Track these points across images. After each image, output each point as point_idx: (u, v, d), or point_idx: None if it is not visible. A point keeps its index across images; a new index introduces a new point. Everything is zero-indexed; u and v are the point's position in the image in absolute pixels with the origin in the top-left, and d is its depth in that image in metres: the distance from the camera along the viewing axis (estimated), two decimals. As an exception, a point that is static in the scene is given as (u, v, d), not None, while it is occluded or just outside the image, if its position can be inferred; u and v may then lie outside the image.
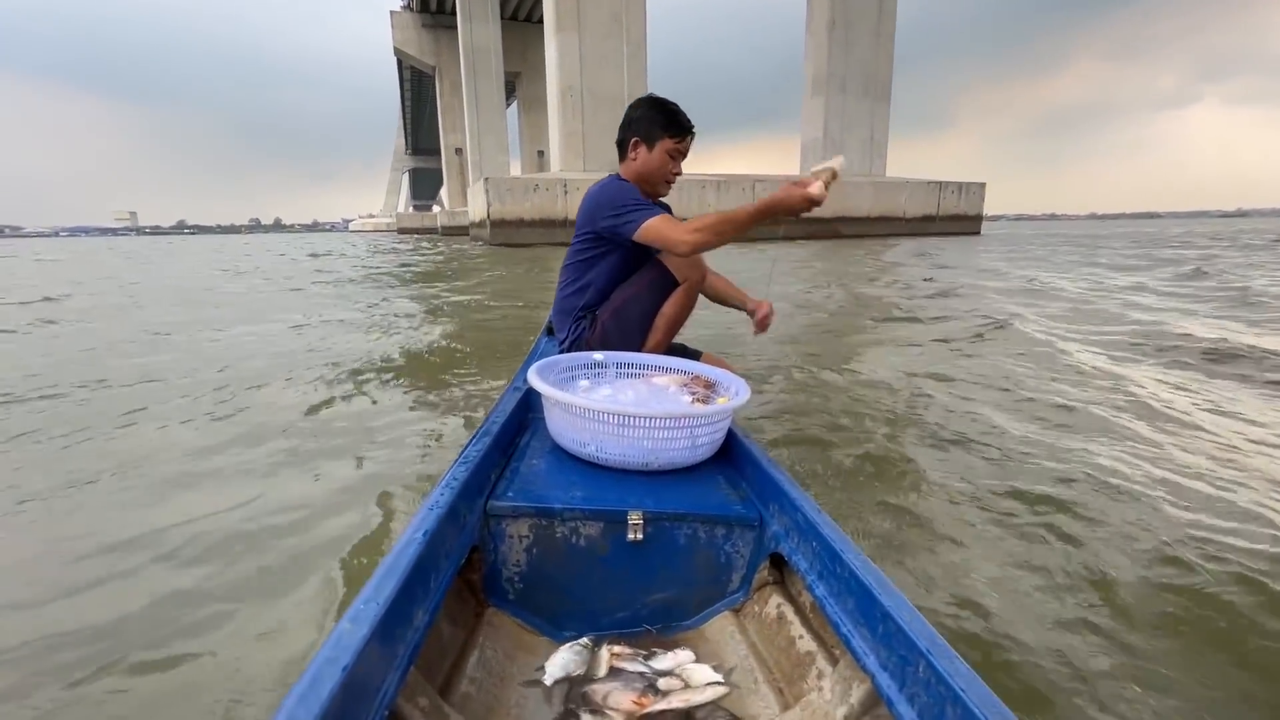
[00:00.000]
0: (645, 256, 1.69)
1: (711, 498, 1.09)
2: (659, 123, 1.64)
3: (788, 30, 23.81)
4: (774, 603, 1.01)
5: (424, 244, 26.70)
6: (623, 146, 1.70)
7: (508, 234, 17.58)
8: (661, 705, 0.81)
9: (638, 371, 1.54)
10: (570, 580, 1.03)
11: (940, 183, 23.86)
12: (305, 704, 0.49)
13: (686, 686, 0.86)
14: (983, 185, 25.02)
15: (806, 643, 0.91)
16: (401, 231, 64.11)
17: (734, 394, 1.32)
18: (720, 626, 1.03)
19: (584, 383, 1.45)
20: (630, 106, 1.68)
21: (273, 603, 1.32)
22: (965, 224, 24.78)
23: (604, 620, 1.02)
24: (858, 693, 0.76)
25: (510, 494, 1.04)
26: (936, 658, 0.61)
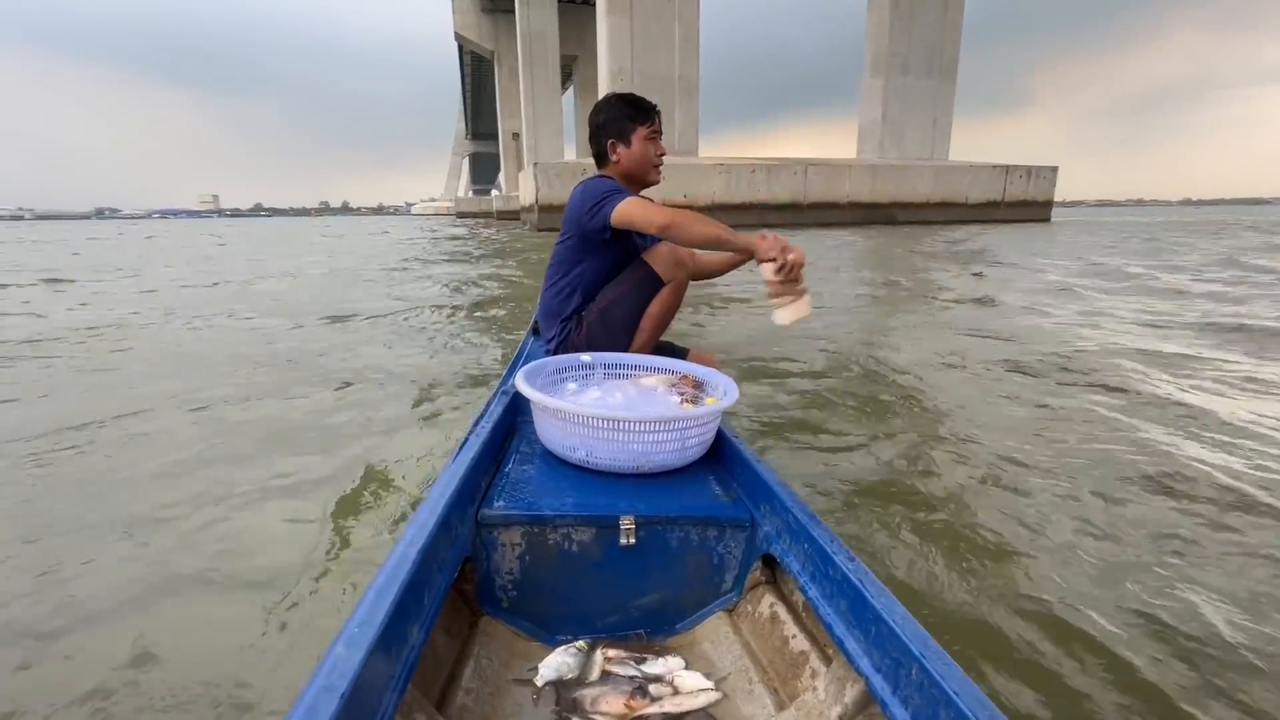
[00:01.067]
0: (629, 257, 1.70)
1: (702, 499, 1.10)
2: (626, 115, 1.67)
3: (855, 1, 22.97)
4: (767, 603, 1.02)
5: (483, 228, 27.39)
6: (601, 155, 1.73)
7: (555, 218, 17.76)
8: (652, 709, 0.83)
9: (626, 372, 1.54)
10: (564, 586, 1.03)
11: (1007, 167, 22.61)
12: None
13: (677, 692, 0.87)
14: (1054, 170, 23.56)
15: (800, 642, 0.92)
16: (460, 215, 65.78)
17: (722, 394, 1.32)
18: (714, 627, 1.04)
19: (572, 385, 1.45)
20: (592, 114, 1.71)
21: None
22: (1033, 211, 23.44)
23: (598, 624, 1.04)
24: (851, 693, 0.76)
25: (501, 502, 1.04)
26: (930, 661, 0.62)
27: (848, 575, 0.79)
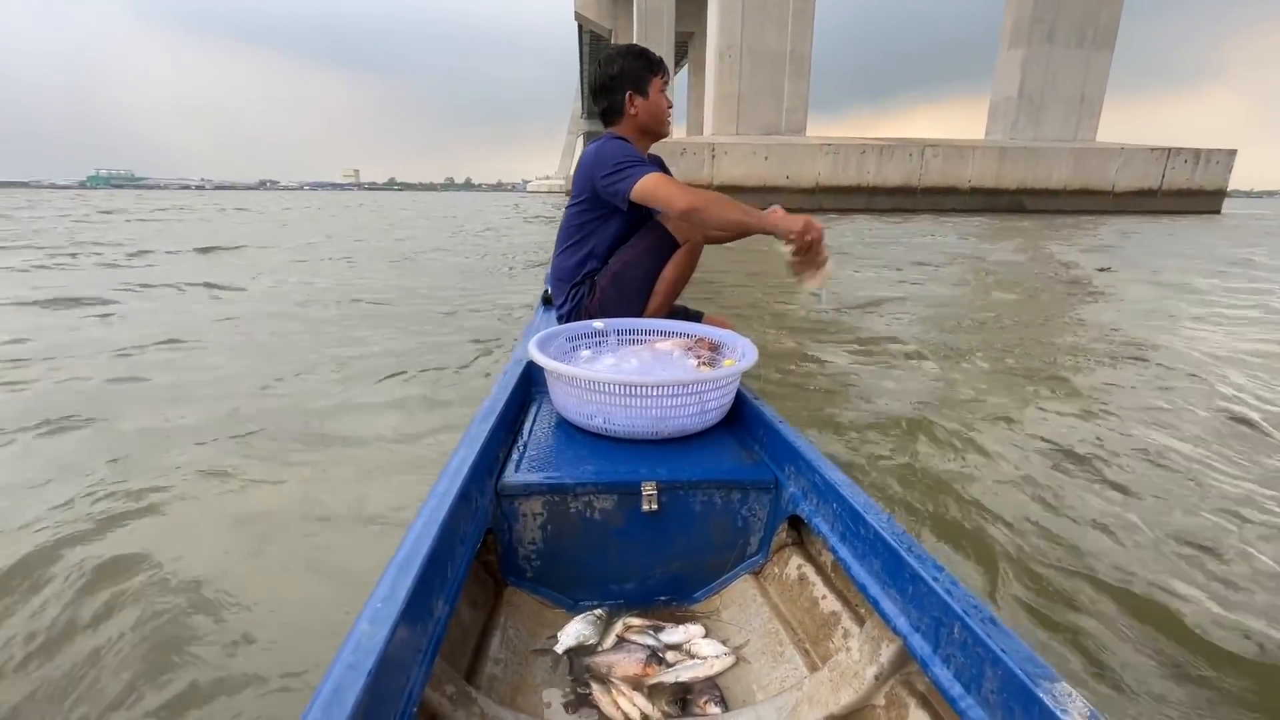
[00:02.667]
0: (643, 219, 1.66)
1: (724, 462, 1.09)
2: (643, 66, 1.63)
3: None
4: (794, 564, 1.01)
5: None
6: (616, 108, 1.66)
7: (653, 198, 17.82)
8: (667, 677, 0.84)
9: (640, 337, 1.51)
10: (588, 554, 1.03)
11: (1169, 150, 19.76)
12: (329, 713, 0.48)
13: (693, 658, 0.88)
14: (1230, 153, 20.26)
15: (830, 603, 0.91)
16: (569, 192, 67.58)
17: (740, 355, 1.30)
18: (741, 590, 1.04)
19: (585, 353, 1.43)
20: (604, 65, 1.65)
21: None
22: (1198, 201, 20.38)
23: (624, 591, 1.04)
24: (887, 652, 0.75)
25: (521, 473, 1.03)
26: (973, 619, 0.61)
27: (881, 534, 0.77)
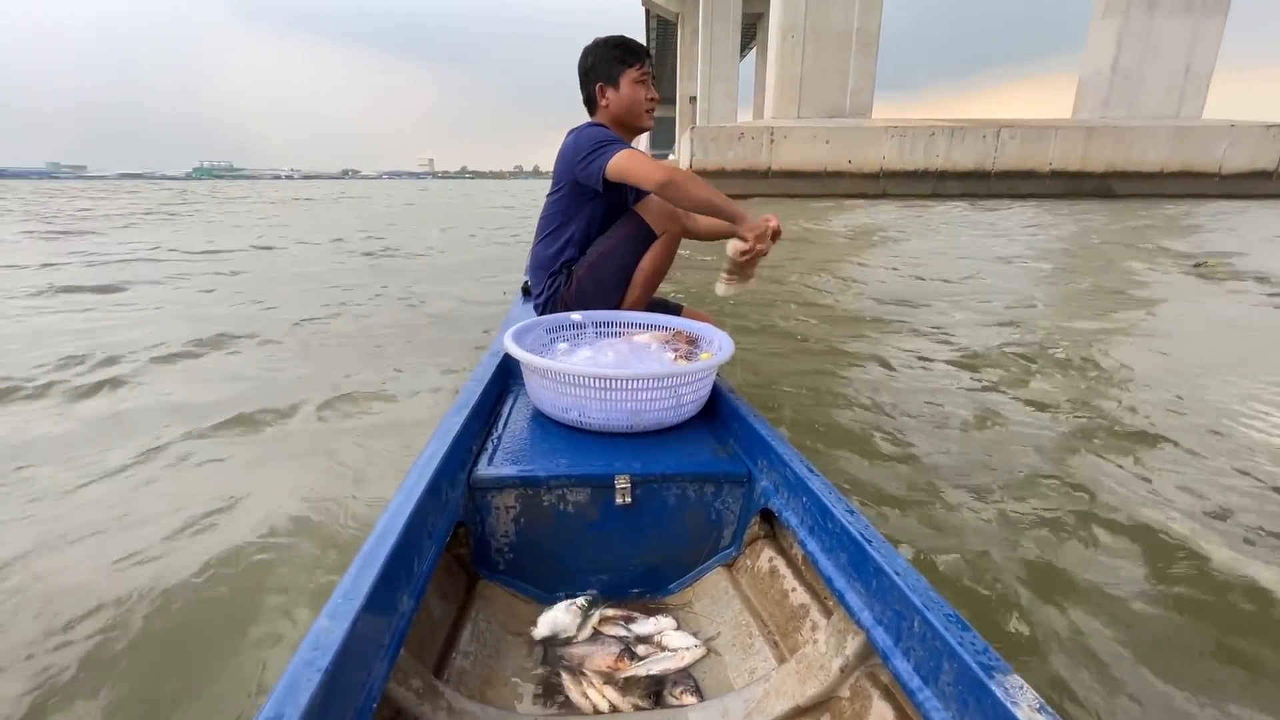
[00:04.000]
0: (621, 208, 1.66)
1: (699, 456, 1.09)
2: (614, 58, 1.60)
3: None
4: (766, 557, 1.02)
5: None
6: (591, 101, 1.67)
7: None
8: (639, 670, 0.85)
9: (617, 330, 1.51)
10: (561, 547, 1.04)
11: (1291, 126, 17.75)
12: (282, 708, 0.48)
13: (664, 650, 0.89)
14: (1365, 130, 18.00)
15: (799, 595, 0.92)
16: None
17: (717, 349, 1.30)
18: (714, 582, 1.05)
19: (563, 345, 1.42)
20: (580, 58, 1.66)
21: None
22: (1323, 184, 18.24)
23: (598, 584, 1.04)
24: (852, 645, 0.76)
25: (494, 466, 1.04)
26: (932, 613, 0.62)
27: (847, 528, 0.78)
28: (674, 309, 1.82)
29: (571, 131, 1.61)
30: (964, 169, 17.63)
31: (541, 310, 1.70)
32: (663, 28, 51.65)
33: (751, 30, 41.95)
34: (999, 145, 17.57)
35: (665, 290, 2.26)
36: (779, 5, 17.87)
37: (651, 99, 1.65)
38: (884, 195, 17.23)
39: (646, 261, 1.63)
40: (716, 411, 1.26)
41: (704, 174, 17.87)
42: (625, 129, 1.65)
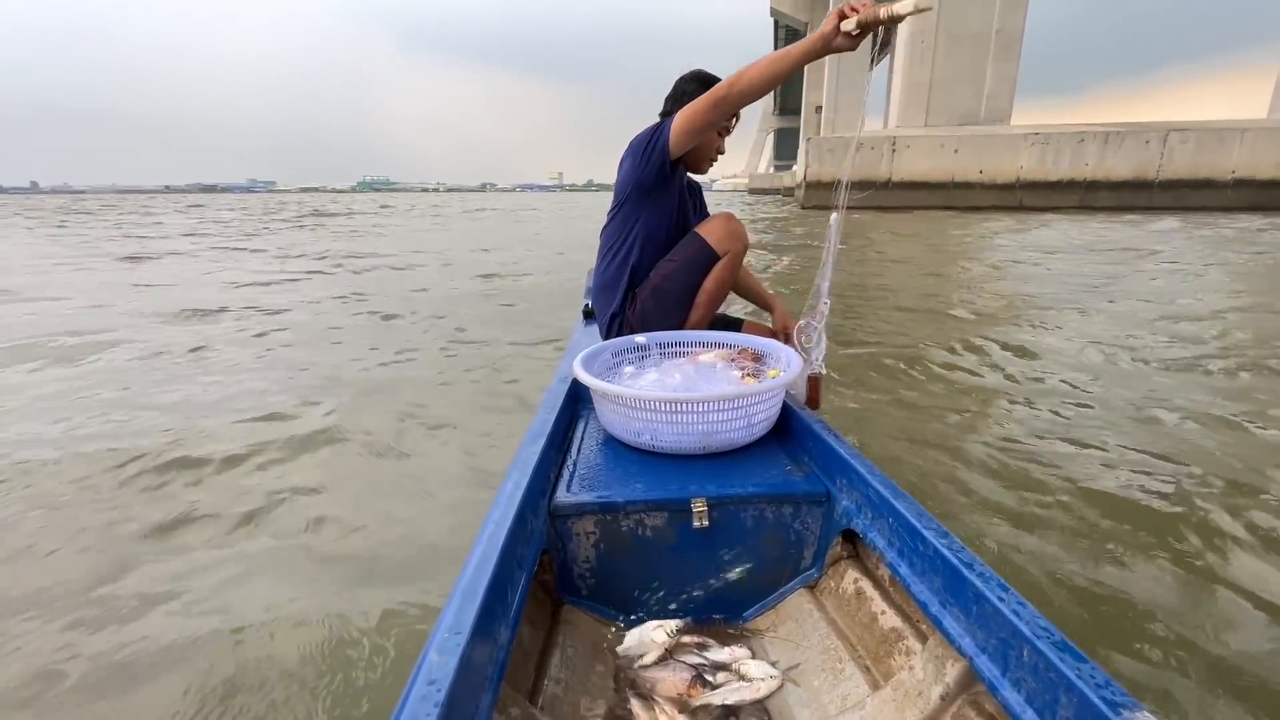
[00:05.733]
0: (684, 228, 1.67)
1: (774, 476, 1.08)
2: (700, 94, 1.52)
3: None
4: (850, 578, 0.99)
5: (762, 203, 27.52)
6: (669, 117, 1.60)
7: (821, 196, 17.05)
8: (713, 698, 0.83)
9: (681, 350, 1.50)
10: (641, 571, 1.03)
11: None
12: None
13: (741, 679, 0.87)
14: None
15: (890, 619, 0.89)
16: (752, 191, 67.04)
17: (785, 365, 1.29)
18: (796, 605, 1.03)
19: (629, 368, 1.42)
20: (679, 80, 1.64)
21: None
22: None
23: (679, 607, 1.04)
24: (953, 673, 0.73)
25: (572, 492, 1.04)
26: (1043, 641, 0.59)
27: (941, 551, 0.75)
28: (735, 324, 1.81)
29: (629, 145, 1.62)
30: (1119, 178, 15.82)
31: (605, 333, 1.70)
32: (792, 36, 50.96)
33: (886, 35, 40.01)
34: (1165, 151, 15.58)
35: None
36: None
37: (720, 150, 1.65)
38: (1020, 207, 15.87)
39: (710, 283, 1.62)
40: (789, 429, 1.24)
41: (819, 184, 17.48)
42: (685, 163, 1.65)
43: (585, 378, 1.18)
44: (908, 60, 17.41)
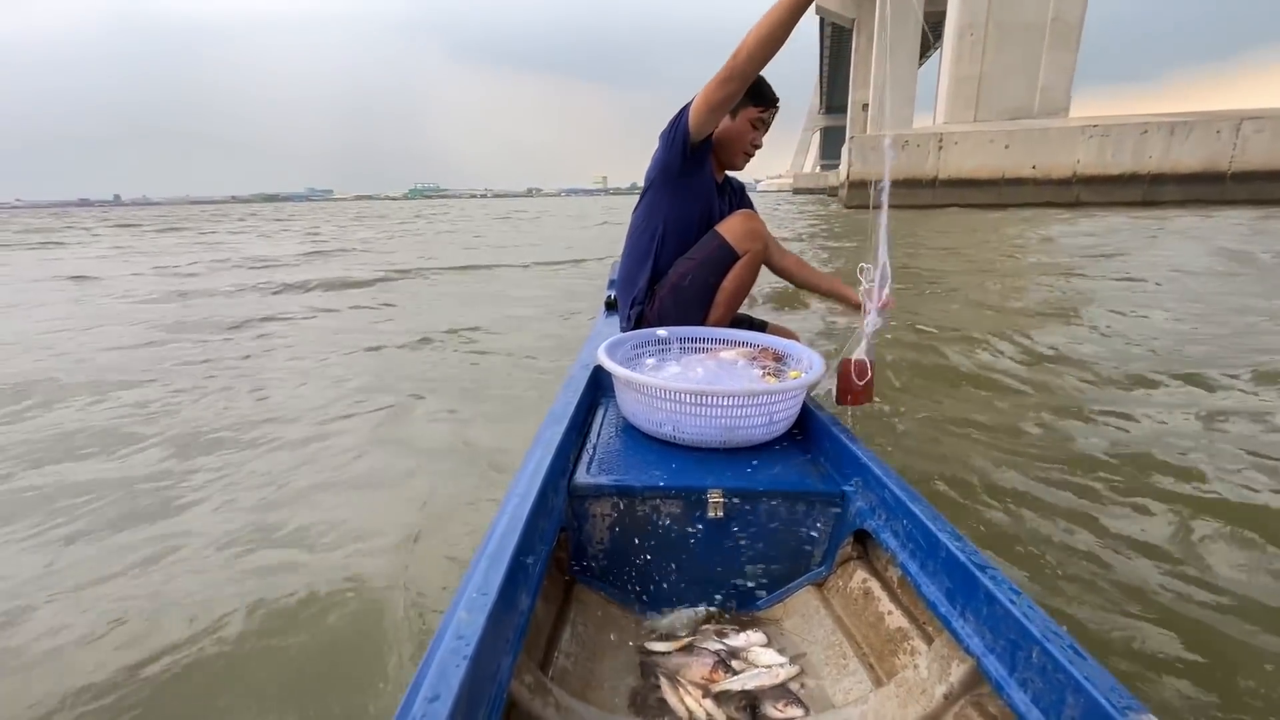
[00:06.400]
0: (707, 225, 1.64)
1: (790, 474, 1.10)
2: (748, 89, 1.52)
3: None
4: (859, 578, 1.01)
5: (803, 202, 26.97)
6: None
7: (863, 195, 16.75)
8: (733, 684, 0.85)
9: (703, 346, 1.51)
10: (654, 557, 1.06)
11: None
12: (436, 691, 0.51)
13: (754, 666, 0.90)
14: None
15: (896, 619, 0.90)
16: (796, 191, 66.16)
17: (806, 367, 1.30)
18: (804, 601, 1.05)
19: (650, 360, 1.43)
20: None
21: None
22: None
23: (688, 595, 1.06)
24: (958, 672, 0.74)
25: (591, 474, 1.07)
26: (1052, 644, 0.60)
27: (954, 553, 0.77)
28: (758, 325, 1.80)
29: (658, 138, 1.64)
30: (1187, 170, 14.93)
31: (627, 326, 1.71)
32: (837, 34, 50.07)
33: (938, 30, 38.98)
34: (1239, 141, 14.62)
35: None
36: (956, 3, 16.61)
37: (756, 144, 1.65)
38: (1077, 203, 15.18)
39: (729, 282, 1.62)
40: (806, 429, 1.26)
41: (861, 184, 17.13)
42: (720, 153, 1.66)
43: (611, 366, 1.21)
44: (955, 54, 16.90)
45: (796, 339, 1.57)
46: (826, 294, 1.79)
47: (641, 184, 1.74)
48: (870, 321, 1.21)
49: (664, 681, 0.85)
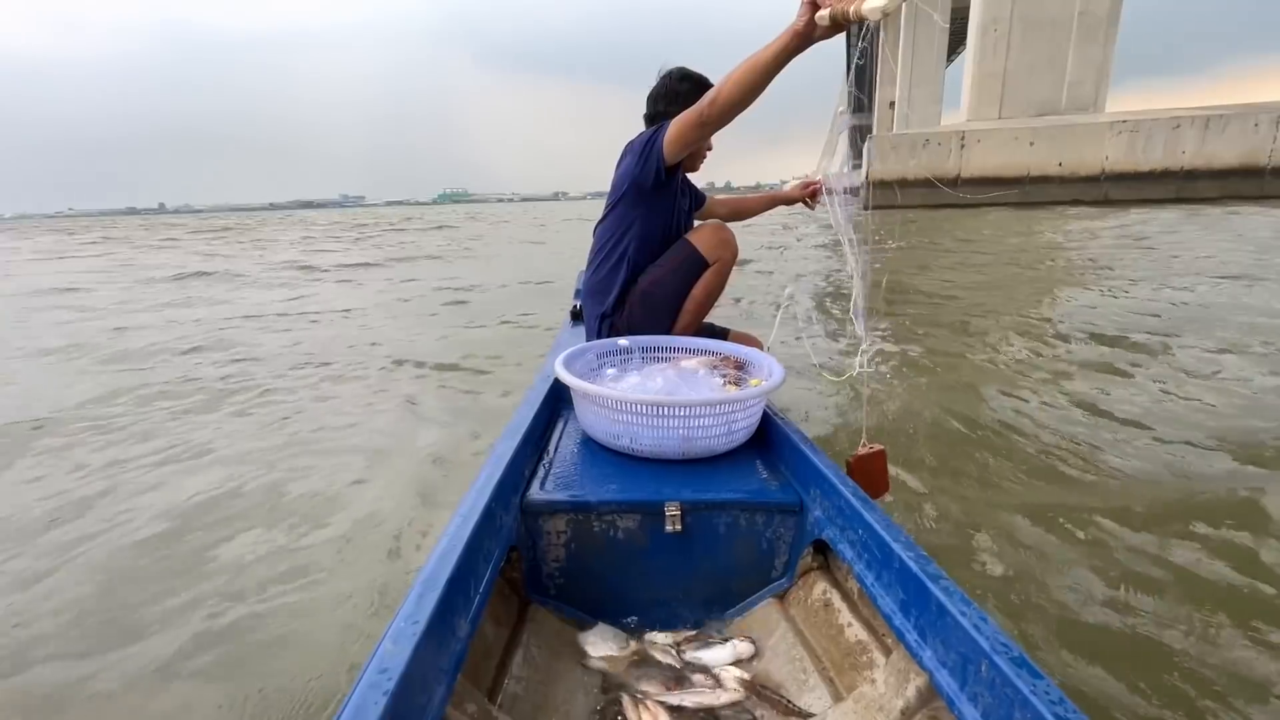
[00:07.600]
0: (677, 234, 1.66)
1: (750, 484, 1.08)
2: (689, 91, 1.54)
3: None
4: (820, 589, 0.99)
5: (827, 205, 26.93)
6: (656, 118, 1.61)
7: (885, 195, 16.50)
8: (688, 699, 0.84)
9: (665, 355, 1.50)
10: (611, 573, 1.03)
11: None
12: None
13: (716, 683, 0.88)
14: None
15: (856, 631, 0.89)
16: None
17: (767, 375, 1.28)
18: (765, 614, 1.02)
19: (611, 370, 1.41)
20: (665, 78, 1.63)
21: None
22: None
23: (648, 611, 1.04)
24: (914, 686, 0.73)
25: (545, 490, 1.04)
26: (1000, 657, 0.59)
27: (907, 564, 0.75)
28: (720, 333, 1.81)
29: (624, 150, 1.61)
30: (1223, 165, 14.42)
31: (594, 335, 1.69)
32: (863, 30, 49.34)
33: (963, 29, 38.22)
34: (1278, 134, 14.10)
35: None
36: (979, 0, 16.35)
37: (708, 148, 1.63)
38: (1105, 201, 14.79)
39: (698, 290, 1.62)
40: (767, 439, 1.24)
41: (882, 184, 16.91)
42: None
43: (567, 377, 1.18)
44: (979, 50, 16.61)
45: (760, 346, 1.58)
46: (769, 207, 1.97)
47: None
48: (841, 213, 1.14)
49: (625, 699, 0.84)
